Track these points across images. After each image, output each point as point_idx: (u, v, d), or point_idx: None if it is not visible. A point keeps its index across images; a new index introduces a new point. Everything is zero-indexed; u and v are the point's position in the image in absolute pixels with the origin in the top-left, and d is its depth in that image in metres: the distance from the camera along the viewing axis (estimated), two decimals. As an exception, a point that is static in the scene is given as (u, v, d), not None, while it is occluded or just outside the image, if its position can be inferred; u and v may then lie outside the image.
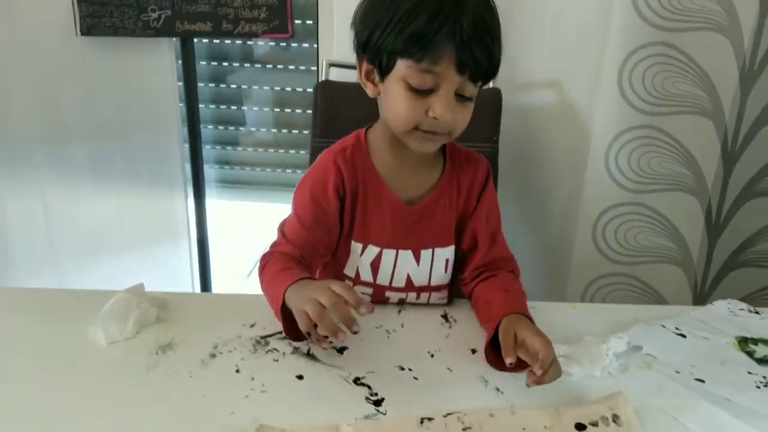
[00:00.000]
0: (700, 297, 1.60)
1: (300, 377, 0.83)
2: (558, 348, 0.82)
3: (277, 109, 1.95)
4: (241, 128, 1.99)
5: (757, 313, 1.04)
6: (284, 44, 1.91)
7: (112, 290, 0.94)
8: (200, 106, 1.85)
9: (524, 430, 0.75)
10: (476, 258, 1.00)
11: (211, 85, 1.92)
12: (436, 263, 1.00)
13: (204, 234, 1.94)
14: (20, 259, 1.71)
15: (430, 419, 0.75)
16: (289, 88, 1.91)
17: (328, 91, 1.41)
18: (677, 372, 0.87)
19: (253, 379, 0.82)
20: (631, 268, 1.60)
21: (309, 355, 0.88)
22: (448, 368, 0.87)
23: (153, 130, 1.79)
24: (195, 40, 1.72)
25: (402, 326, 0.97)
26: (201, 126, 1.87)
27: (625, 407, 0.78)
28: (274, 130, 1.99)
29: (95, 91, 1.69)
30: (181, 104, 1.80)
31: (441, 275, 1.01)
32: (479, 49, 0.81)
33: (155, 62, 1.71)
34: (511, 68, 1.49)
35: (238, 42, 1.92)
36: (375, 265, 0.98)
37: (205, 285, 1.95)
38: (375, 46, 0.86)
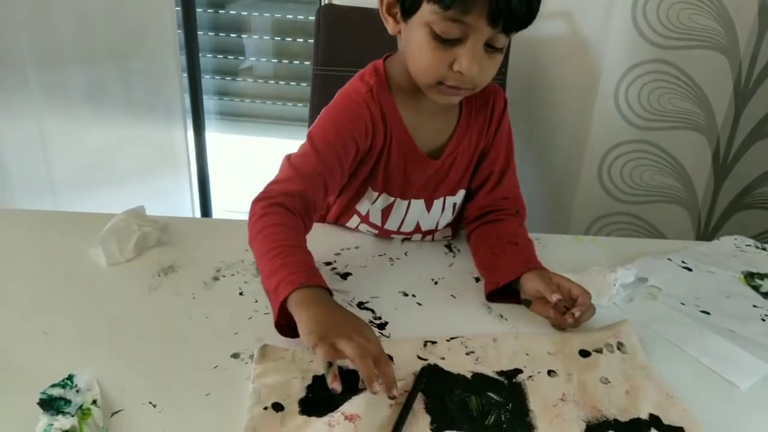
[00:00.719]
0: (704, 238, 1.59)
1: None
2: (564, 275, 0.82)
3: (278, 38, 1.89)
4: (240, 58, 1.94)
5: (764, 249, 1.03)
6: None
7: (111, 213, 0.93)
8: (198, 33, 1.79)
9: (528, 355, 0.74)
10: (481, 197, 0.97)
11: (210, 11, 1.86)
12: (446, 210, 0.98)
13: (204, 166, 1.91)
14: (18, 188, 1.69)
15: (433, 343, 0.75)
16: (290, 15, 1.84)
17: (330, 15, 1.35)
18: (682, 304, 0.87)
19: (256, 301, 0.81)
20: (635, 207, 1.59)
21: (312, 279, 0.87)
22: (451, 295, 0.86)
23: (151, 58, 1.74)
24: (194, -38, 1.65)
25: (406, 254, 0.96)
26: (200, 54, 1.82)
27: (629, 335, 0.77)
28: (275, 61, 1.93)
29: (90, 14, 1.63)
30: (179, 31, 1.74)
31: (448, 219, 0.99)
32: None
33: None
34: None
35: (238, -34, 1.85)
36: (386, 212, 0.96)
37: (206, 216, 1.94)
38: None
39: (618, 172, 1.55)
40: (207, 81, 1.93)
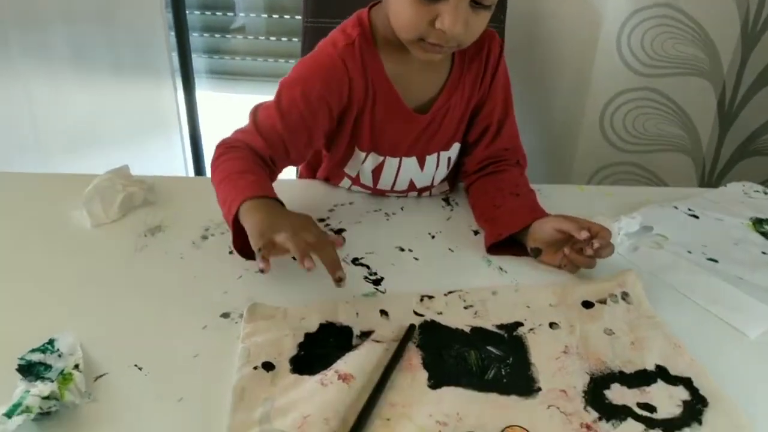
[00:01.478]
0: (708, 186, 1.55)
1: (295, 258, 0.78)
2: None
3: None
4: (229, 14, 1.87)
5: (772, 194, 1.00)
6: None
7: (95, 174, 0.89)
8: (185, -12, 1.72)
9: (528, 308, 0.72)
10: (480, 150, 0.93)
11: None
12: (441, 166, 0.94)
13: (196, 126, 1.87)
14: (6, 151, 1.65)
15: (430, 297, 0.72)
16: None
17: (320, -36, 1.29)
18: (689, 252, 0.84)
19: (246, 259, 0.78)
20: (638, 157, 1.55)
21: (304, 236, 0.84)
22: (449, 249, 0.83)
23: (136, 15, 1.68)
24: None
25: (402, 209, 0.93)
26: (187, 11, 1.76)
27: (634, 285, 0.75)
28: (265, 16, 1.87)
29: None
30: (165, -14, 1.67)
31: (444, 174, 0.95)
32: None
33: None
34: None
35: None
36: (377, 173, 0.92)
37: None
38: None
39: (620, 121, 1.50)
40: (195, 39, 1.87)
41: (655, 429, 0.57)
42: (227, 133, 0.85)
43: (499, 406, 0.59)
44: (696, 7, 1.38)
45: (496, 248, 0.82)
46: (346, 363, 0.61)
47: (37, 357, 0.59)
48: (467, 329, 0.68)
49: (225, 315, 0.69)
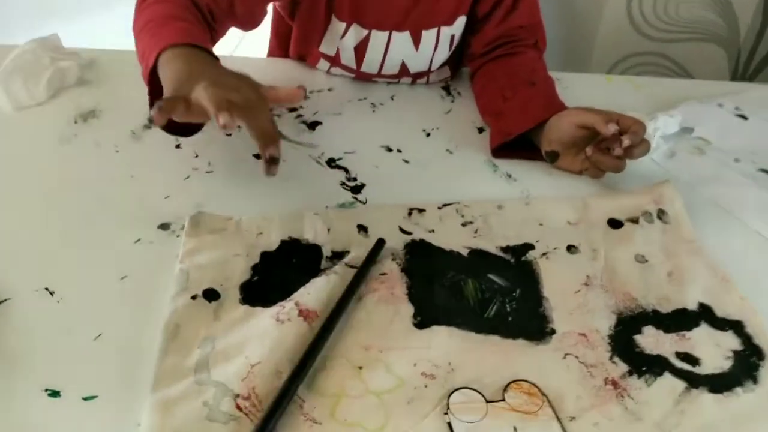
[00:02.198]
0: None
1: (258, 156, 0.64)
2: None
3: None
4: None
5: (835, 92, 0.84)
6: None
7: (15, 45, 0.73)
8: None
9: (541, 226, 0.59)
10: (490, 27, 0.76)
11: None
12: (441, 45, 0.76)
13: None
14: None
15: (421, 211, 0.59)
16: None
17: None
18: (736, 160, 0.71)
19: (197, 156, 0.65)
20: (664, 46, 1.38)
21: (271, 129, 0.69)
22: (447, 150, 0.70)
23: None
24: None
25: (391, 99, 0.78)
26: None
27: (673, 200, 0.62)
28: None
29: None
30: None
31: (444, 56, 0.78)
32: None
33: None
34: None
35: None
36: (360, 50, 0.75)
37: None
38: None
39: (651, 3, 1.32)
40: None
41: (699, 388, 0.45)
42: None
43: (502, 354, 0.47)
44: None
45: (503, 150, 0.68)
46: (310, 294, 0.48)
47: None
48: (465, 252, 0.55)
49: (164, 226, 0.56)
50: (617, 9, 1.34)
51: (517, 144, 0.68)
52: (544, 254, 0.55)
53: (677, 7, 1.34)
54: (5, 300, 0.49)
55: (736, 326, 0.50)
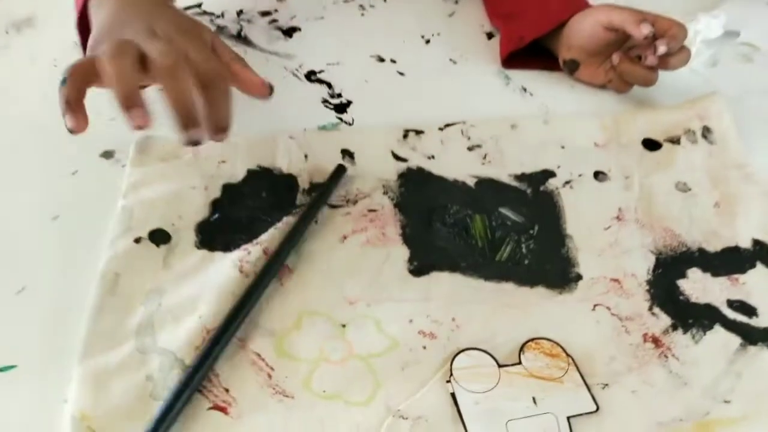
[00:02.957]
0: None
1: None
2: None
3: None
4: None
5: None
6: None
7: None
8: None
9: (563, 149, 0.50)
10: None
11: None
12: None
13: None
14: None
15: (418, 132, 0.50)
16: None
17: None
18: (791, 68, 0.61)
19: (150, 70, 0.55)
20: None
21: (240, 37, 0.60)
22: (450, 59, 0.61)
23: None
24: None
25: (384, 0, 0.67)
26: None
27: (720, 116, 0.52)
28: None
29: None
30: None
31: None
32: None
33: None
34: None
35: None
36: None
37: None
38: None
39: None
40: None
41: (759, 345, 0.38)
42: None
43: (517, 306, 0.39)
44: None
45: (516, 59, 0.59)
46: (283, 237, 0.39)
47: None
48: (471, 182, 0.47)
49: (107, 154, 0.49)
50: None
51: (533, 51, 0.59)
52: (567, 183, 0.47)
53: None
54: None
55: (799, 268, 0.42)
